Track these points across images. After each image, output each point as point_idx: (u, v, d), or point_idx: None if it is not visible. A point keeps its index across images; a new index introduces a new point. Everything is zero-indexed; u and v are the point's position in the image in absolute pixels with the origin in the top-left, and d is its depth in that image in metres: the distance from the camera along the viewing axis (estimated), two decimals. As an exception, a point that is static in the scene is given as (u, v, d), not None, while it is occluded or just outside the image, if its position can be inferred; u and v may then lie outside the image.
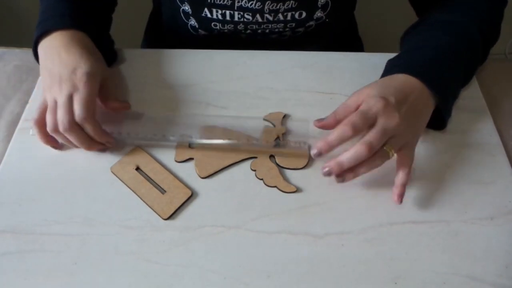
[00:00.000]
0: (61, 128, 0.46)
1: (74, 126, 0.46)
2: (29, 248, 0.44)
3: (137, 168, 0.49)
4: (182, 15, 0.63)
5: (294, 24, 0.62)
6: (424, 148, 0.52)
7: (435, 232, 0.45)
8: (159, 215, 0.46)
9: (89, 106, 0.47)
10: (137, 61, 0.60)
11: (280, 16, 0.60)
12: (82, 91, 0.47)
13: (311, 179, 0.49)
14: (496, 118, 0.55)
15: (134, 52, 0.61)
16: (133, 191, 0.47)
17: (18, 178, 0.48)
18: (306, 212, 0.46)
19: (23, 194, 0.47)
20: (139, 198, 0.47)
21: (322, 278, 0.42)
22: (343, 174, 0.45)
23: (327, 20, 0.62)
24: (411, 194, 0.48)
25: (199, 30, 0.64)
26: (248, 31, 0.63)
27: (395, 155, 0.46)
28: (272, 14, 0.60)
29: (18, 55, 0.61)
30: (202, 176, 0.48)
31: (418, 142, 0.48)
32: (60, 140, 0.49)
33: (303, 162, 0.49)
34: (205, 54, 0.61)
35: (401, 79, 0.48)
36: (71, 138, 0.47)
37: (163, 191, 0.47)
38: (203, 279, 0.42)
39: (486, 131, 0.53)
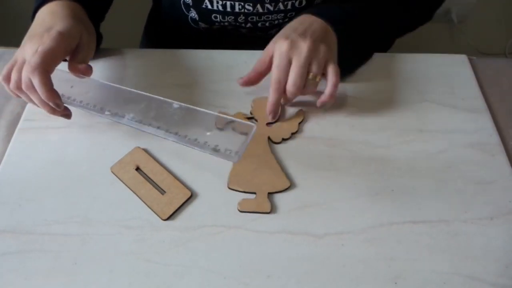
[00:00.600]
0: (23, 86, 0.46)
1: None
2: (29, 248, 0.44)
3: (137, 168, 0.49)
4: (182, 6, 0.63)
5: (294, 14, 0.62)
6: (424, 148, 0.52)
7: (435, 232, 0.45)
8: (158, 216, 0.46)
9: (44, 58, 0.45)
10: (137, 61, 0.60)
11: (281, 6, 0.60)
12: (45, 44, 0.46)
13: (311, 179, 0.49)
14: (496, 118, 0.55)
15: (133, 52, 0.61)
16: (132, 191, 0.47)
17: (18, 178, 0.48)
18: (306, 212, 0.46)
19: (23, 194, 0.47)
20: (139, 198, 0.47)
21: (322, 278, 0.42)
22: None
23: None
24: (411, 194, 0.48)
25: (200, 22, 0.64)
26: (249, 24, 0.63)
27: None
28: (273, 4, 0.60)
29: (18, 55, 0.61)
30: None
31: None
32: (24, 98, 0.48)
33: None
34: (205, 54, 0.61)
35: (300, 17, 0.54)
36: (32, 97, 0.47)
37: (162, 191, 0.47)
38: (203, 279, 0.42)
39: (486, 131, 0.53)
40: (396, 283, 0.42)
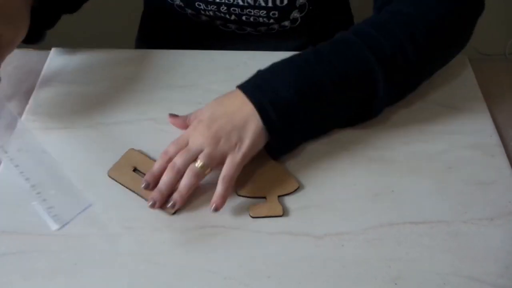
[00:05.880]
0: None
1: None
2: (29, 248, 0.43)
3: (135, 169, 0.49)
4: None
5: (277, 14, 0.61)
6: (424, 148, 0.52)
7: (435, 233, 0.45)
8: (165, 212, 0.45)
9: None
10: (136, 62, 0.60)
11: (261, 1, 0.59)
12: None
13: (311, 179, 0.49)
14: (496, 118, 0.55)
15: (133, 52, 0.61)
16: (134, 192, 0.47)
17: (18, 179, 0.48)
18: (306, 212, 0.46)
19: (23, 195, 0.47)
20: (139, 199, 0.47)
21: (322, 278, 0.42)
22: (171, 200, 0.45)
23: (310, 7, 0.62)
24: (411, 194, 0.48)
25: (186, 8, 0.64)
26: (233, 16, 0.63)
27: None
28: None
29: (18, 56, 0.61)
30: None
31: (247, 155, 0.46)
32: None
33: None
34: (205, 55, 0.61)
35: (228, 93, 0.49)
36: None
37: (163, 191, 0.47)
38: (203, 280, 0.42)
39: (486, 131, 0.53)
40: (396, 283, 0.42)
